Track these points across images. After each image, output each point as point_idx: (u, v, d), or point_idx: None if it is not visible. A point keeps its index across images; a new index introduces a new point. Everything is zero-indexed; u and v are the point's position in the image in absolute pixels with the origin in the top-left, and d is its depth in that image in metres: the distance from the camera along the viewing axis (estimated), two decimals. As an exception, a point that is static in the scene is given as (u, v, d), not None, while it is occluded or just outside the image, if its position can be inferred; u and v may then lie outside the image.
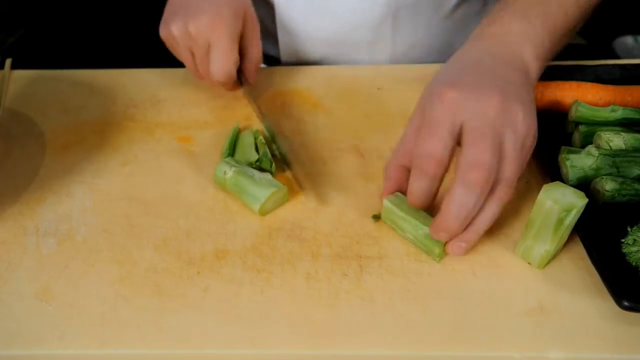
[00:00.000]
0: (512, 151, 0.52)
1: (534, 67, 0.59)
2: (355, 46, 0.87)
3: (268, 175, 0.62)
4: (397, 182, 0.58)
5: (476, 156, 0.50)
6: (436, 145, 0.52)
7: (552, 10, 0.61)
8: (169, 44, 0.72)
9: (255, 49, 0.74)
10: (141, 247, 0.58)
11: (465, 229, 0.54)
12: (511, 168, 0.52)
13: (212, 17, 0.68)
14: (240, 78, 0.74)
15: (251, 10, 0.73)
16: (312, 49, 0.88)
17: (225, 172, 0.62)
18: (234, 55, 0.70)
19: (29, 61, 0.85)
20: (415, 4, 0.84)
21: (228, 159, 0.64)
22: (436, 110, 0.53)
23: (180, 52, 0.72)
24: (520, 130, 0.52)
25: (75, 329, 0.51)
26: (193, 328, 0.51)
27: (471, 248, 0.55)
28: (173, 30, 0.69)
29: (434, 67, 0.83)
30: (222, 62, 0.69)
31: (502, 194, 0.52)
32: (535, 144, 0.55)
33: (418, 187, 0.53)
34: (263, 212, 0.61)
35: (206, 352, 0.50)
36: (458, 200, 0.50)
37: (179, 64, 0.84)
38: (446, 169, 0.53)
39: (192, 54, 0.71)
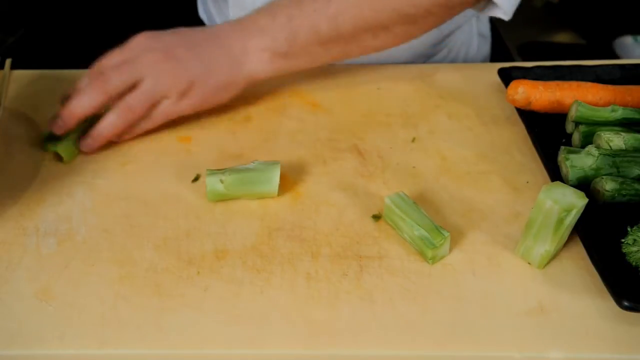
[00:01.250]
0: (140, 94, 0.65)
1: (258, 54, 0.68)
2: None
3: (255, 162, 0.62)
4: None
5: (109, 75, 0.65)
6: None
7: (303, 16, 0.67)
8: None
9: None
10: (141, 247, 0.58)
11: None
12: (134, 96, 0.65)
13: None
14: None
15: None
16: None
17: (221, 180, 0.61)
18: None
19: (29, 61, 0.85)
20: None
21: (213, 170, 0.62)
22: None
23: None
24: (161, 89, 0.66)
25: (75, 329, 0.51)
26: (193, 328, 0.51)
27: (97, 145, 0.67)
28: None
29: (434, 67, 0.83)
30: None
31: (117, 110, 0.66)
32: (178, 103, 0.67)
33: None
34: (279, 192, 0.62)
35: (206, 352, 0.50)
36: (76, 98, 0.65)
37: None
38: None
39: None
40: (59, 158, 0.68)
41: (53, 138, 0.68)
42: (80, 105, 0.65)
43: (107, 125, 0.66)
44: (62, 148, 0.67)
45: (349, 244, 0.58)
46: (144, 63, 0.66)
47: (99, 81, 0.65)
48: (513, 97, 0.69)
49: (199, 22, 1.00)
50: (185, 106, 0.68)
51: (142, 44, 0.68)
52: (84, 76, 0.67)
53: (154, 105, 0.67)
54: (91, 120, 0.68)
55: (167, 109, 0.68)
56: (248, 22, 0.70)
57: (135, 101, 0.66)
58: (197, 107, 0.69)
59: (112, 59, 0.68)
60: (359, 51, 0.72)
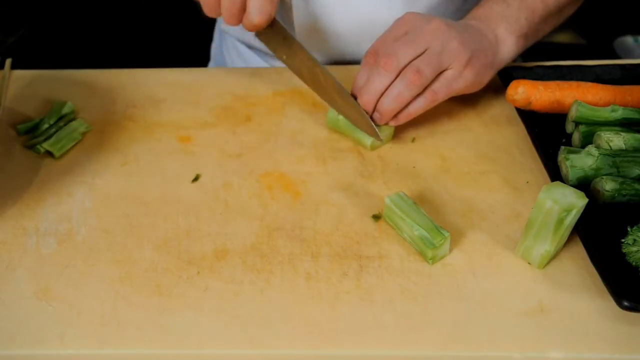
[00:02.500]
0: (429, 58, 0.64)
1: (508, 39, 0.72)
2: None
3: None
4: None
5: (394, 49, 0.65)
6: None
7: None
8: None
9: None
10: (141, 247, 0.58)
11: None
12: (422, 59, 0.64)
13: None
14: None
15: None
16: (330, 46, 0.87)
17: (338, 114, 0.69)
18: None
19: (29, 61, 0.85)
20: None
21: None
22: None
23: None
24: (448, 55, 0.65)
25: (75, 329, 0.51)
26: (193, 328, 0.51)
27: (385, 120, 0.67)
28: None
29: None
30: (265, 3, 0.66)
31: (405, 76, 0.64)
32: (465, 77, 0.67)
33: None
34: (373, 147, 0.69)
35: (206, 352, 0.50)
36: (372, 77, 0.66)
37: (179, 64, 0.84)
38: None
39: None
40: (51, 155, 0.68)
41: (31, 134, 0.70)
42: (375, 90, 0.65)
43: (394, 95, 0.65)
44: (49, 145, 0.68)
45: (349, 244, 0.58)
46: (428, 31, 0.65)
47: (387, 59, 0.64)
48: (513, 97, 0.69)
49: (201, 23, 0.99)
50: (465, 80, 0.68)
51: (415, 18, 0.67)
52: (362, 64, 0.68)
53: (439, 74, 0.66)
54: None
55: (452, 78, 0.66)
56: (484, 11, 0.72)
57: (424, 64, 0.64)
58: (471, 83, 0.69)
59: (388, 37, 0.67)
60: (556, 24, 0.79)
